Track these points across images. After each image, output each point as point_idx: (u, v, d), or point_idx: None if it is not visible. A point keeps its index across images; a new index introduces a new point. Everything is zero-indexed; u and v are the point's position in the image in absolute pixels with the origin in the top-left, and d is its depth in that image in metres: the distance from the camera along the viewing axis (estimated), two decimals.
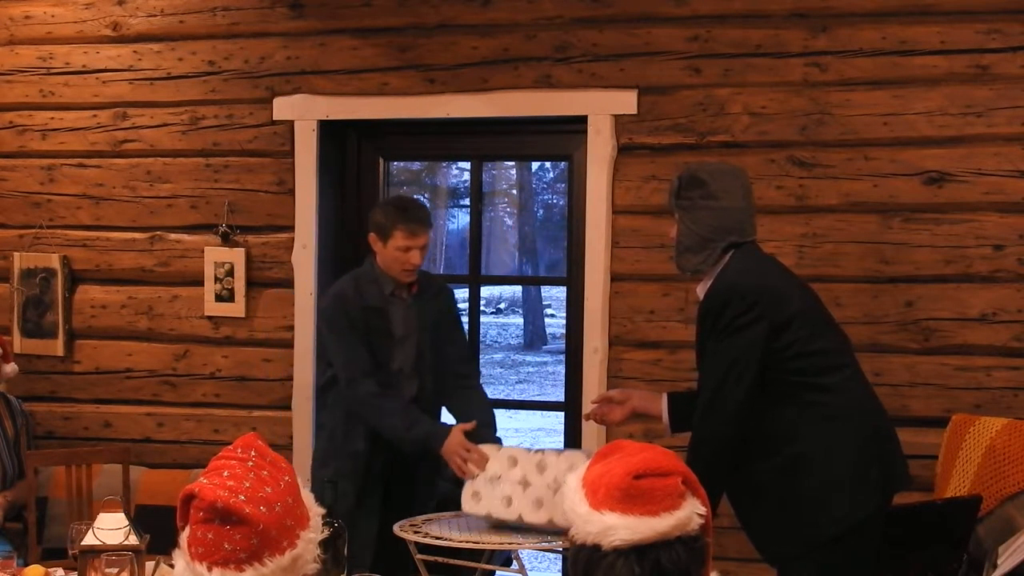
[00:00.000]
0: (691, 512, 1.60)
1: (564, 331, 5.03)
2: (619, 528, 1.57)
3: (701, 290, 3.26)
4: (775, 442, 3.11)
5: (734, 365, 3.07)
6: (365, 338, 3.83)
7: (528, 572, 3.81)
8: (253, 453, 1.75)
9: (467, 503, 3.46)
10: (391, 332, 3.87)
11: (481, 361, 4.29)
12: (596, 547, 1.58)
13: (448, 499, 4.08)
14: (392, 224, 3.80)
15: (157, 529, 3.08)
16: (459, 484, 3.89)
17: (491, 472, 3.44)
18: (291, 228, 4.63)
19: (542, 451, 3.44)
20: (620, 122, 4.31)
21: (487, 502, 3.41)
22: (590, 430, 4.34)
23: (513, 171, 18.50)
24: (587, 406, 3.92)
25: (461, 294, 4.24)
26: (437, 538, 3.39)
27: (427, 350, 3.93)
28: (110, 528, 2.81)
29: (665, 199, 3.37)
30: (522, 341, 18.86)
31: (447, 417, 4.07)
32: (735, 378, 3.07)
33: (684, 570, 1.57)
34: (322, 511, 1.83)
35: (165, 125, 4.74)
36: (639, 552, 1.56)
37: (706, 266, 3.22)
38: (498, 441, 3.93)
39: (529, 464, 3.39)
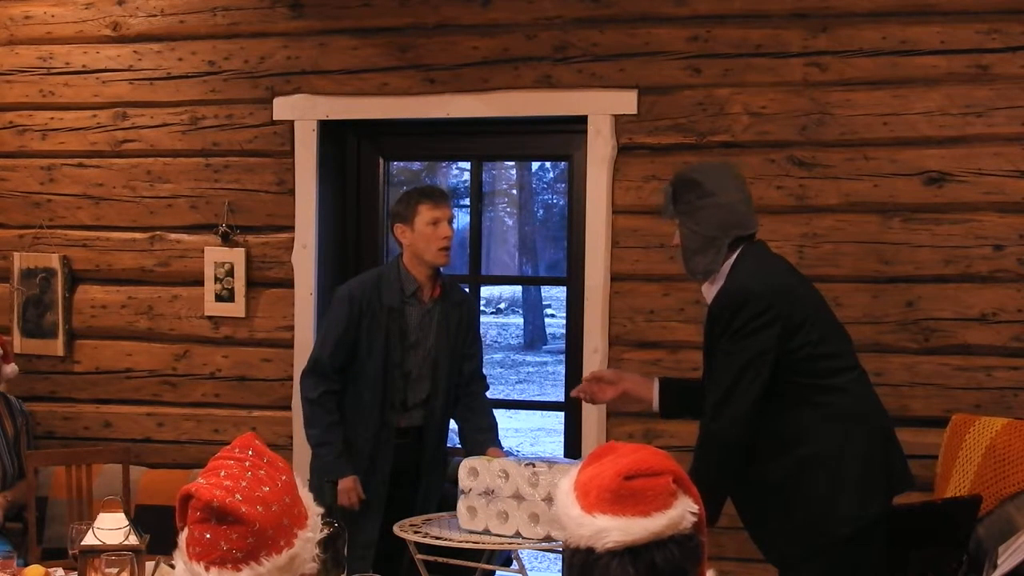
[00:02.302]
0: (683, 511, 1.59)
1: (564, 331, 5.03)
2: (612, 530, 1.56)
3: (708, 291, 3.24)
4: (784, 443, 3.10)
5: (748, 367, 3.06)
6: (358, 336, 3.84)
7: (528, 572, 3.81)
8: (251, 453, 1.75)
9: (463, 519, 3.45)
10: (406, 334, 3.88)
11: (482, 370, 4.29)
12: (590, 550, 1.58)
13: (448, 499, 4.08)
14: (414, 202, 3.86)
15: (157, 529, 3.08)
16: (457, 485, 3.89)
17: (483, 487, 3.42)
18: (291, 228, 4.63)
19: (532, 463, 3.41)
20: (620, 122, 4.31)
21: (483, 518, 3.40)
22: (589, 429, 4.35)
23: (513, 171, 18.49)
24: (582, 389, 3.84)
25: None
26: (437, 538, 3.39)
27: (443, 356, 3.93)
28: (110, 528, 2.81)
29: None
30: (522, 341, 18.86)
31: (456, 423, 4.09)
32: (748, 380, 3.06)
33: (679, 569, 1.57)
34: (321, 510, 1.83)
35: (165, 125, 4.74)
36: (633, 553, 1.56)
37: (716, 265, 3.20)
38: (500, 446, 3.93)
39: (521, 478, 3.37)
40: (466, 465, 3.48)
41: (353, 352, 3.87)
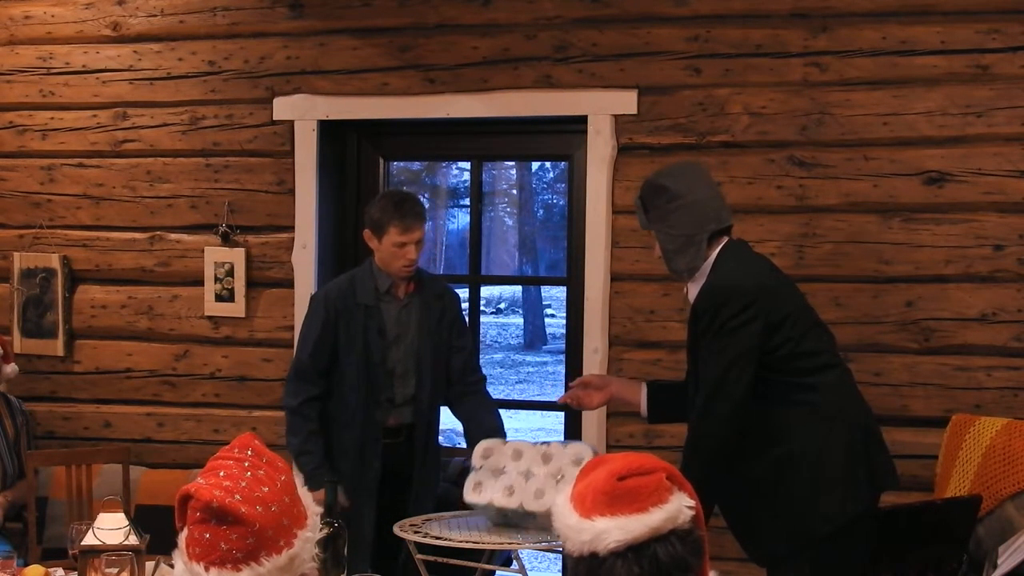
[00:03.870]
0: (680, 505, 1.60)
1: (564, 331, 5.03)
2: (611, 530, 1.57)
3: (691, 290, 3.26)
4: (766, 441, 3.11)
5: (733, 365, 3.07)
6: (336, 336, 3.85)
7: (528, 572, 3.81)
8: (250, 452, 1.75)
9: (469, 494, 3.47)
10: (384, 331, 3.88)
11: (481, 361, 4.30)
12: (593, 555, 1.58)
13: (446, 499, 4.08)
14: (387, 220, 3.81)
15: (157, 529, 3.08)
16: (458, 484, 3.89)
17: (495, 465, 3.45)
18: (291, 228, 4.63)
19: (547, 443, 3.44)
20: (620, 122, 4.31)
21: (488, 492, 3.42)
22: (589, 430, 4.34)
23: (513, 171, 18.48)
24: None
25: (461, 294, 4.24)
26: (437, 538, 3.39)
27: (426, 351, 3.92)
28: (110, 528, 2.80)
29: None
30: (522, 341, 18.85)
31: (455, 422, 4.09)
32: (734, 378, 3.07)
33: (683, 563, 1.58)
34: (320, 510, 1.83)
35: (165, 125, 4.74)
36: (636, 551, 1.56)
37: (698, 261, 3.22)
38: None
39: (533, 456, 3.40)
40: (481, 446, 3.51)
41: (334, 353, 3.87)
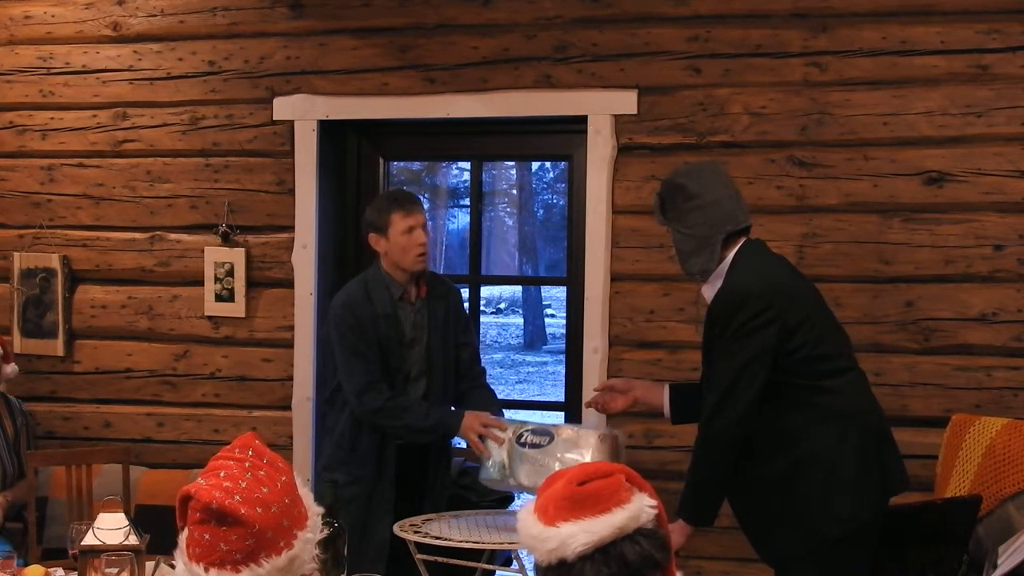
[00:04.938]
0: (641, 504, 1.62)
1: (564, 331, 5.03)
2: (577, 534, 1.59)
3: (707, 291, 3.25)
4: (780, 443, 3.11)
5: (746, 368, 3.06)
6: (375, 344, 3.82)
7: (528, 572, 3.81)
8: (251, 453, 1.76)
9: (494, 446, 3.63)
10: (402, 337, 3.87)
11: (481, 361, 4.29)
12: (562, 562, 1.60)
13: (456, 501, 4.08)
14: (387, 211, 3.82)
15: (157, 529, 3.08)
16: (458, 483, 3.89)
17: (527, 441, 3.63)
18: (291, 228, 4.63)
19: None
20: (620, 122, 4.31)
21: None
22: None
23: (513, 171, 18.49)
24: (589, 395, 3.95)
25: (461, 294, 4.24)
26: (437, 538, 3.40)
27: (436, 351, 3.93)
28: (110, 528, 2.81)
29: None
30: (522, 341, 18.86)
31: None
32: (747, 381, 3.06)
33: (650, 560, 1.60)
34: (321, 511, 1.83)
35: (165, 125, 4.74)
36: (603, 552, 1.58)
37: (712, 264, 3.21)
38: None
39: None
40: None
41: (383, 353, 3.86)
